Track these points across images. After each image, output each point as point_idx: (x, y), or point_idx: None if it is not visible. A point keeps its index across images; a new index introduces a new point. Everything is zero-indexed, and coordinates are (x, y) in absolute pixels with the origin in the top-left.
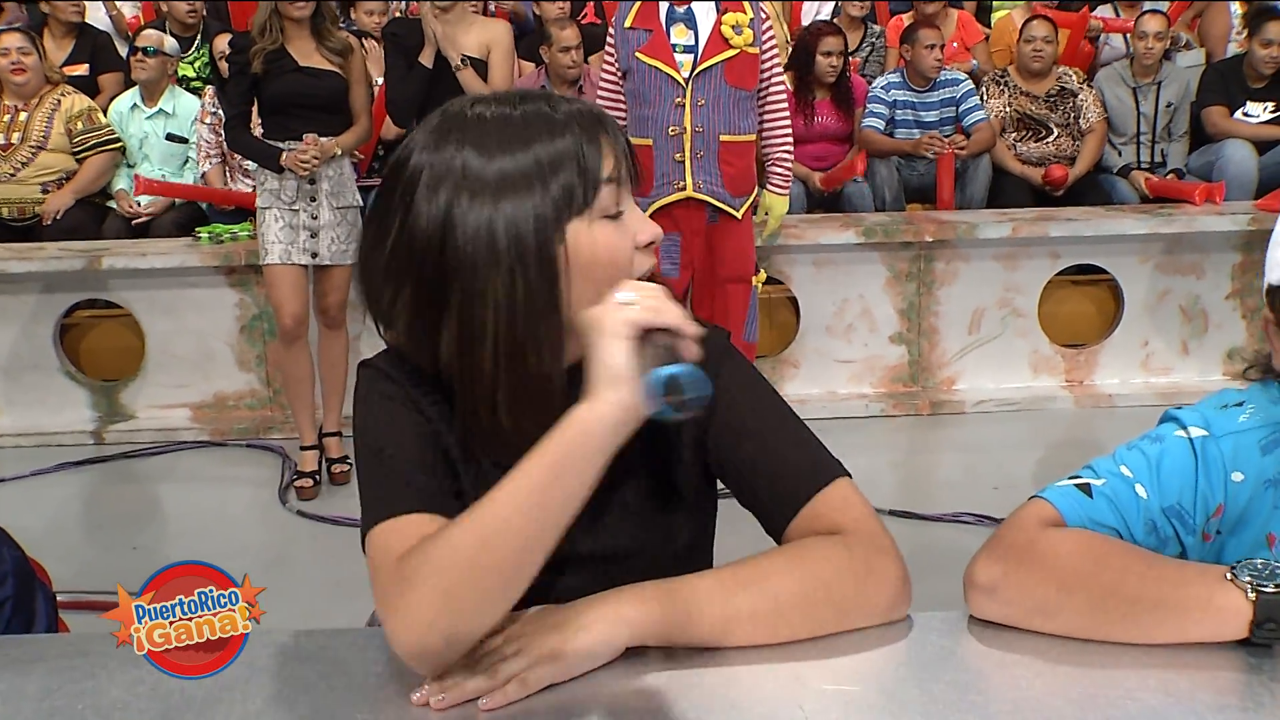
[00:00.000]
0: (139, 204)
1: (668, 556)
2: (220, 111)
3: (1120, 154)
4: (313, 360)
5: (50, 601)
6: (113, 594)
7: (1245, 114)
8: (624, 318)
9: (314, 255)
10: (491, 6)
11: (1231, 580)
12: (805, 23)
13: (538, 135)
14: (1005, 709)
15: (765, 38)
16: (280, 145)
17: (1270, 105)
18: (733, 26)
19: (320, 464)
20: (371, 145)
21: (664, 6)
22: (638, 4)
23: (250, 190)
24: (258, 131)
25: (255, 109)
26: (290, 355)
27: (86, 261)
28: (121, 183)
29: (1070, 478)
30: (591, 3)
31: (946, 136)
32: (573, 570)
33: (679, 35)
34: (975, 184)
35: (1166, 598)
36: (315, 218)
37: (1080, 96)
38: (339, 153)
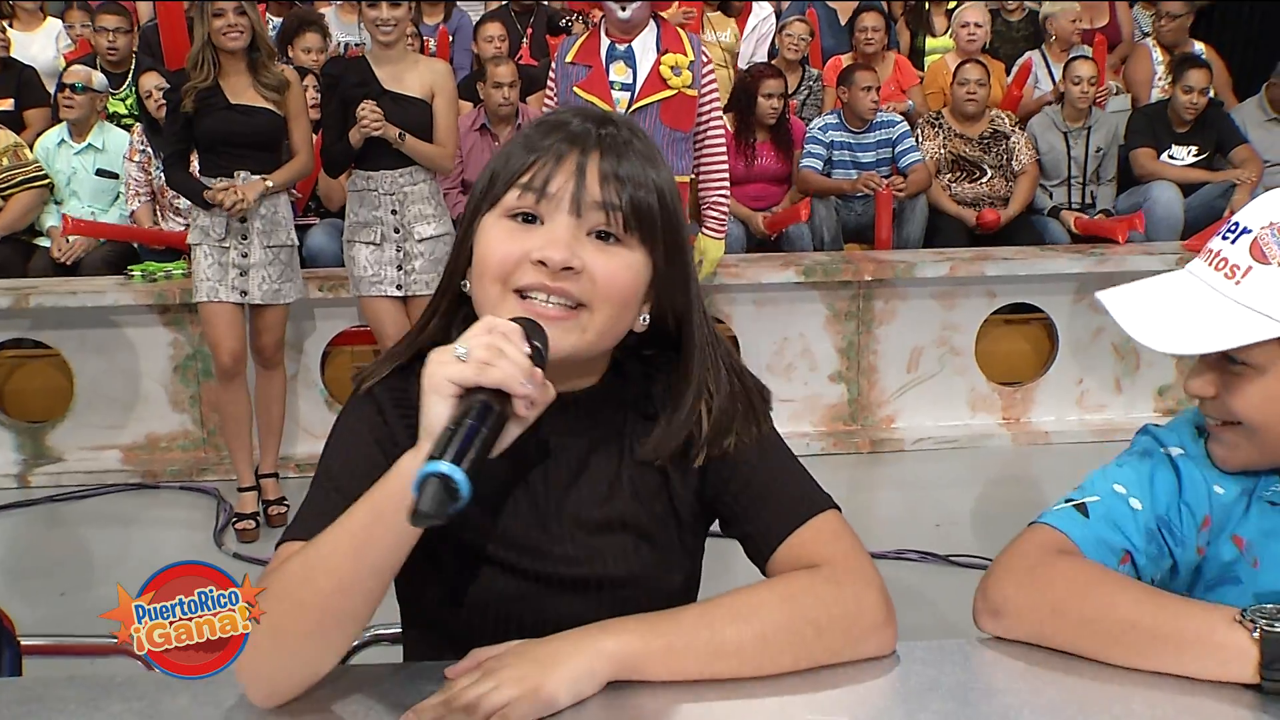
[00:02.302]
0: (68, 241)
1: (664, 588)
2: (149, 149)
3: (1051, 196)
4: (250, 400)
5: (15, 649)
6: (49, 636)
7: (1171, 156)
8: (447, 375)
9: (243, 293)
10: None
11: (1239, 621)
12: (742, 64)
13: (525, 136)
14: None
15: (705, 80)
16: (210, 183)
17: (1194, 148)
18: (672, 67)
19: (258, 505)
20: (310, 183)
21: (606, 43)
22: (580, 39)
23: (182, 229)
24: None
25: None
26: (228, 394)
27: (13, 300)
28: (51, 220)
29: (1065, 500)
30: (527, 44)
31: (884, 178)
32: (569, 593)
33: (618, 73)
34: (912, 224)
35: (1163, 626)
36: (246, 256)
37: (1013, 139)
38: (270, 186)
